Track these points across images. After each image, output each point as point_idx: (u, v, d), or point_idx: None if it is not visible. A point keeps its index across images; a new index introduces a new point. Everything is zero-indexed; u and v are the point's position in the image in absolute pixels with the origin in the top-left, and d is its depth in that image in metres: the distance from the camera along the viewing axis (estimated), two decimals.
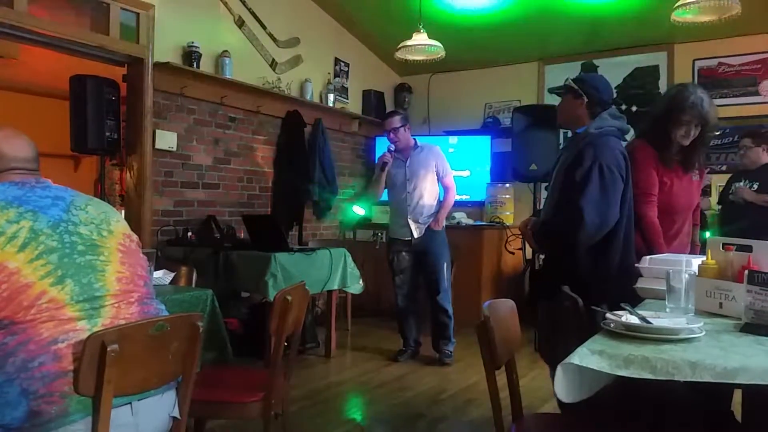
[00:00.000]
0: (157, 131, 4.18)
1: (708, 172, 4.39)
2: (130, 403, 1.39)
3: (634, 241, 2.40)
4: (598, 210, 2.27)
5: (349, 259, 4.30)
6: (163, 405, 1.49)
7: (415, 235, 4.12)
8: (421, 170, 4.13)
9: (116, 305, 1.42)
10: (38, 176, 1.58)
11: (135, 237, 1.62)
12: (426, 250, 4.14)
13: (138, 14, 4.01)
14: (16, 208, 1.37)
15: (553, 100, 5.48)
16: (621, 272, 2.30)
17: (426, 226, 4.12)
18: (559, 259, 2.47)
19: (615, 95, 5.59)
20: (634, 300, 2.22)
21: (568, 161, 2.42)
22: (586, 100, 2.48)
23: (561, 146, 5.58)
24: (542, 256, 5.29)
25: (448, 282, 4.19)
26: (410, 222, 4.12)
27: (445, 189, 4.22)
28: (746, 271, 1.59)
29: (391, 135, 4.13)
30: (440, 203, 4.20)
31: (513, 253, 5.43)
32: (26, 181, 1.51)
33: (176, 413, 1.54)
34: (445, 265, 4.17)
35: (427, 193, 4.14)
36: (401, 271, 4.22)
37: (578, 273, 2.35)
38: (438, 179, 4.20)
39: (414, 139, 4.25)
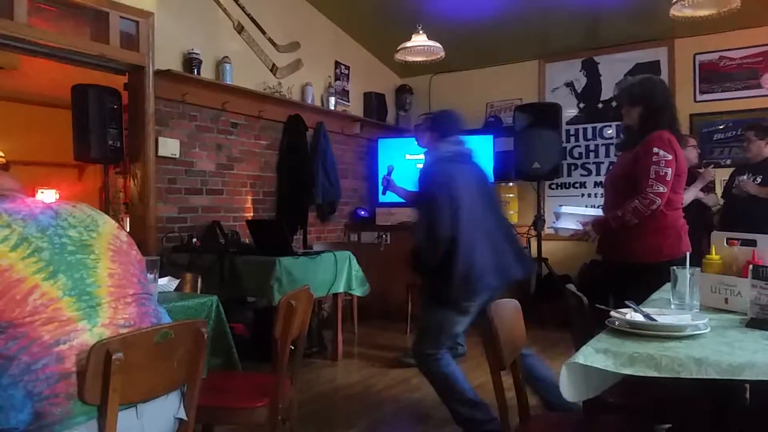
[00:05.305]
0: (160, 138, 4.19)
1: (712, 167, 4.37)
2: (135, 406, 1.39)
3: (482, 248, 2.68)
4: (425, 234, 2.66)
5: (354, 261, 4.30)
6: (167, 407, 1.50)
7: None
8: None
9: (113, 305, 1.43)
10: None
11: (125, 236, 1.62)
12: None
13: (138, 22, 4.02)
14: (8, 216, 1.41)
15: (554, 98, 5.49)
16: (466, 278, 2.63)
17: None
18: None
19: (615, 92, 5.59)
20: (476, 296, 2.72)
21: None
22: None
23: (561, 146, 5.57)
24: (545, 257, 5.27)
25: None
26: None
27: None
28: (751, 266, 1.59)
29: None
30: None
31: None
32: (16, 197, 1.55)
33: (181, 414, 1.54)
34: None
35: None
36: None
37: (432, 283, 2.78)
38: None
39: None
